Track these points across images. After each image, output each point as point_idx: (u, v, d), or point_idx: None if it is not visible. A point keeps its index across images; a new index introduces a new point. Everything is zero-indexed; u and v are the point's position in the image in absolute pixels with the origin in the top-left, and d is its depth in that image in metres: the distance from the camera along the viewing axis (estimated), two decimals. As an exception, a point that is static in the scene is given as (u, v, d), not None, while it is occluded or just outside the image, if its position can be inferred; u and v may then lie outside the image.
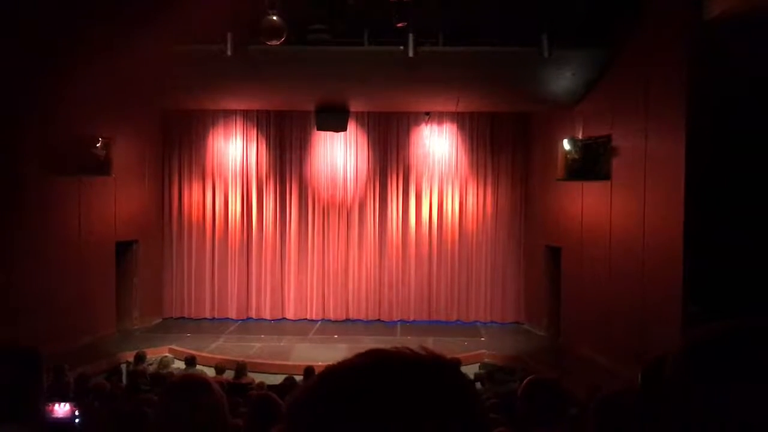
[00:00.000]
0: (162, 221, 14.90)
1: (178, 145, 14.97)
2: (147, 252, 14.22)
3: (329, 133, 14.51)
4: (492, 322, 14.80)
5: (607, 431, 2.58)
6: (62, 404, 2.74)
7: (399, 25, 9.95)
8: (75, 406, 2.76)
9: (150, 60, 10.33)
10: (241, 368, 10.00)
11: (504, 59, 10.90)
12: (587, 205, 11.83)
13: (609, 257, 10.99)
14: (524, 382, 3.07)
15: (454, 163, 15.00)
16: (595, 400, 2.68)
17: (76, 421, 2.77)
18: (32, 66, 9.53)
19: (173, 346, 12.36)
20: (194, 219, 15.03)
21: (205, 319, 14.86)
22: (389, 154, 15.08)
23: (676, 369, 1.04)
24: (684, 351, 1.04)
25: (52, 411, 2.72)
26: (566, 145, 12.00)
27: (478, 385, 9.57)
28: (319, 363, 9.11)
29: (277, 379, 9.53)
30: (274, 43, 9.77)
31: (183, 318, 14.88)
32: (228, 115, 14.90)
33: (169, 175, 14.97)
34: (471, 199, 15.01)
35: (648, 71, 9.93)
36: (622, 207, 10.69)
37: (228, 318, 14.87)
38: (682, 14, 9.05)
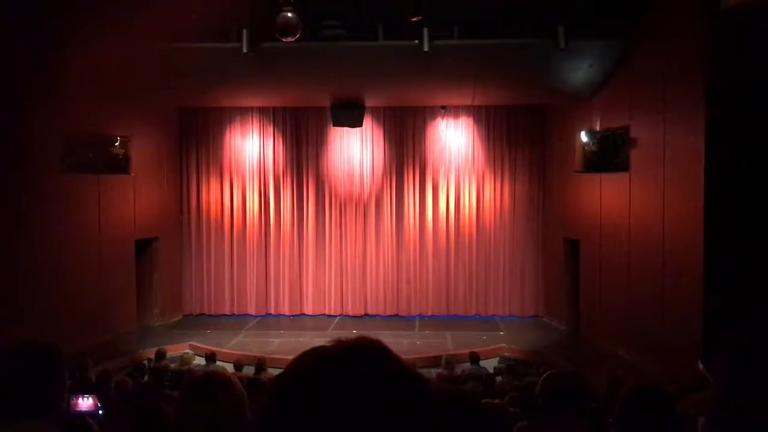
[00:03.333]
0: (181, 218, 14.99)
1: (196, 142, 15.05)
2: (166, 249, 14.33)
3: (345, 129, 14.51)
4: (511, 315, 14.76)
5: (631, 424, 2.57)
6: (86, 398, 2.77)
7: (414, 19, 9.92)
8: (98, 400, 2.79)
9: (161, 55, 10.40)
10: (260, 364, 10.05)
11: (520, 51, 10.84)
12: (606, 197, 11.75)
13: (628, 249, 10.91)
14: (543, 375, 3.05)
15: (470, 156, 14.94)
16: (621, 393, 2.66)
17: (100, 413, 2.80)
18: (46, 64, 9.61)
19: (194, 343, 12.46)
20: (213, 216, 15.11)
21: (225, 315, 14.94)
22: (405, 148, 15.06)
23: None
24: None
25: (76, 404, 2.75)
26: (584, 137, 11.93)
27: (498, 378, 9.55)
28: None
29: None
30: (289, 39, 9.78)
31: (203, 314, 14.97)
32: (244, 112, 14.95)
33: (187, 173, 15.05)
34: (488, 193, 14.95)
35: (666, 61, 9.85)
36: (641, 198, 10.61)
37: (247, 314, 14.94)
38: (699, 4, 8.96)
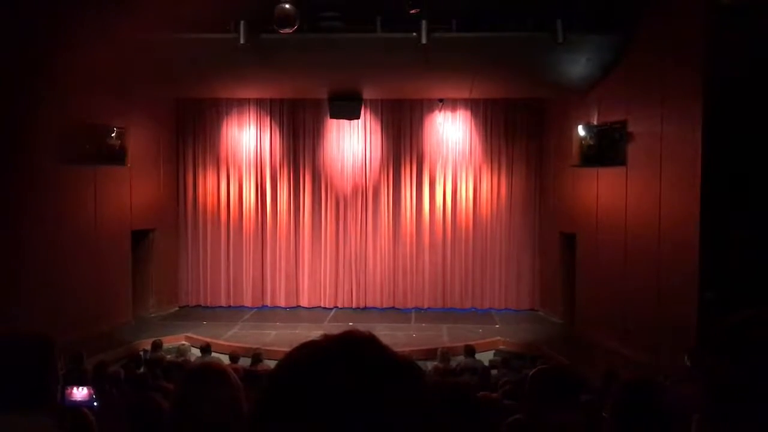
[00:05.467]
0: (177, 210, 14.98)
1: (192, 134, 15.02)
2: (163, 241, 14.32)
3: (342, 121, 14.50)
4: (507, 309, 14.78)
5: (626, 417, 2.58)
6: (80, 388, 2.78)
7: (412, 11, 9.90)
8: (93, 390, 2.80)
9: (158, 46, 10.37)
10: (256, 356, 10.06)
11: (518, 45, 10.83)
12: (602, 191, 11.77)
13: (624, 243, 10.93)
14: (534, 369, 3.06)
15: (468, 150, 14.94)
16: (615, 385, 2.67)
17: (94, 404, 2.80)
18: (43, 55, 9.57)
19: (190, 334, 12.46)
20: (209, 207, 15.09)
21: (221, 307, 14.95)
22: (403, 141, 15.04)
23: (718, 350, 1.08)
24: (725, 334, 1.08)
25: (70, 394, 2.75)
26: (581, 131, 11.92)
27: (494, 372, 9.58)
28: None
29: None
30: (287, 31, 9.76)
31: (199, 306, 14.97)
32: (241, 103, 14.92)
33: (183, 164, 15.02)
34: (485, 186, 14.95)
35: (664, 56, 9.84)
36: (638, 193, 10.62)
37: (243, 306, 14.95)
38: (698, -2, 8.96)
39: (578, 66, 11.31)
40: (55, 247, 10.89)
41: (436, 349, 10.85)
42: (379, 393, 0.85)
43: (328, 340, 0.91)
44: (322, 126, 14.94)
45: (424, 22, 10.12)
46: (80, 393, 2.76)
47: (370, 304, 15.04)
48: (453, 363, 10.22)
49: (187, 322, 13.56)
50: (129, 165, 12.71)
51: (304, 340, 0.94)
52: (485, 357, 11.19)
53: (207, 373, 2.13)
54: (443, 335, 12.79)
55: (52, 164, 10.97)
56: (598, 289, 11.80)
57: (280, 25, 9.73)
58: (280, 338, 12.24)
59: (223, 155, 15.05)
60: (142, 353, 11.12)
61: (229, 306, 14.99)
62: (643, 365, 9.23)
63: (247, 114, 15.01)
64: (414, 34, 10.24)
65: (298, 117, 15.06)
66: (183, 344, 11.55)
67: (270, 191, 15.10)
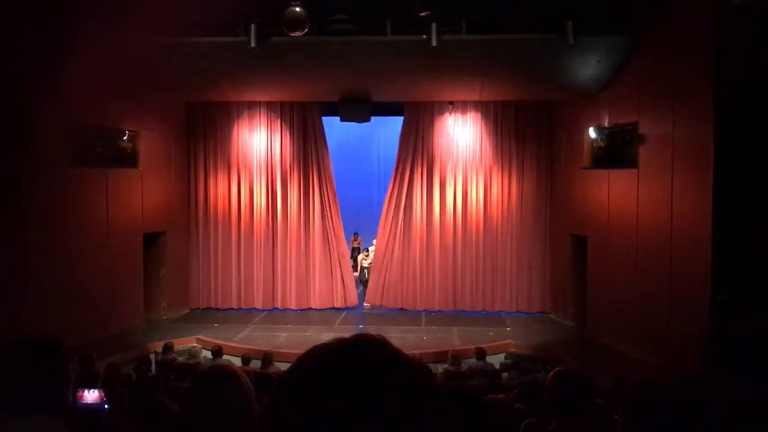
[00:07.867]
0: (188, 212, 15.03)
1: (203, 137, 15.06)
2: (174, 243, 14.37)
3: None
4: (517, 311, 14.73)
5: (637, 419, 2.57)
6: (91, 391, 2.79)
7: (422, 14, 9.90)
8: (104, 392, 2.81)
9: (169, 49, 10.41)
10: (267, 358, 10.08)
11: (528, 47, 10.81)
12: (613, 193, 11.72)
13: (636, 246, 10.88)
14: (552, 373, 3.06)
15: (478, 152, 14.90)
16: (630, 387, 2.66)
17: (105, 407, 2.82)
18: (54, 59, 9.63)
19: (201, 336, 12.49)
20: (220, 210, 15.13)
21: (232, 309, 14.98)
22: (413, 143, 15.02)
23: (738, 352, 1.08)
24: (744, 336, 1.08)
25: (81, 397, 2.77)
26: (592, 133, 11.88)
27: (504, 374, 9.55)
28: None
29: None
30: (297, 34, 9.79)
31: (210, 308, 15.01)
32: (252, 106, 14.96)
33: (194, 167, 15.07)
34: (495, 188, 14.91)
35: (675, 57, 9.80)
36: (650, 195, 10.58)
37: (254, 308, 14.97)
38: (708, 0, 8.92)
39: (589, 68, 11.27)
40: (67, 249, 10.96)
41: (446, 352, 10.82)
42: (391, 396, 0.85)
43: (339, 343, 0.91)
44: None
45: (434, 25, 10.13)
46: (91, 395, 2.78)
47: (380, 306, 15.02)
48: (464, 366, 10.19)
49: (198, 324, 13.60)
50: (140, 168, 12.78)
51: (314, 342, 0.94)
52: (496, 360, 11.15)
53: (217, 377, 2.14)
54: (454, 338, 12.76)
55: (65, 167, 11.04)
56: (609, 291, 11.75)
57: (290, 29, 9.76)
58: (291, 340, 12.25)
59: (233, 158, 15.09)
60: (153, 355, 11.16)
61: (240, 308, 15.02)
62: (655, 368, 9.18)
63: (258, 117, 15.05)
64: (424, 36, 10.25)
65: (308, 119, 15.08)
66: (194, 346, 11.58)
67: (281, 193, 15.12)
